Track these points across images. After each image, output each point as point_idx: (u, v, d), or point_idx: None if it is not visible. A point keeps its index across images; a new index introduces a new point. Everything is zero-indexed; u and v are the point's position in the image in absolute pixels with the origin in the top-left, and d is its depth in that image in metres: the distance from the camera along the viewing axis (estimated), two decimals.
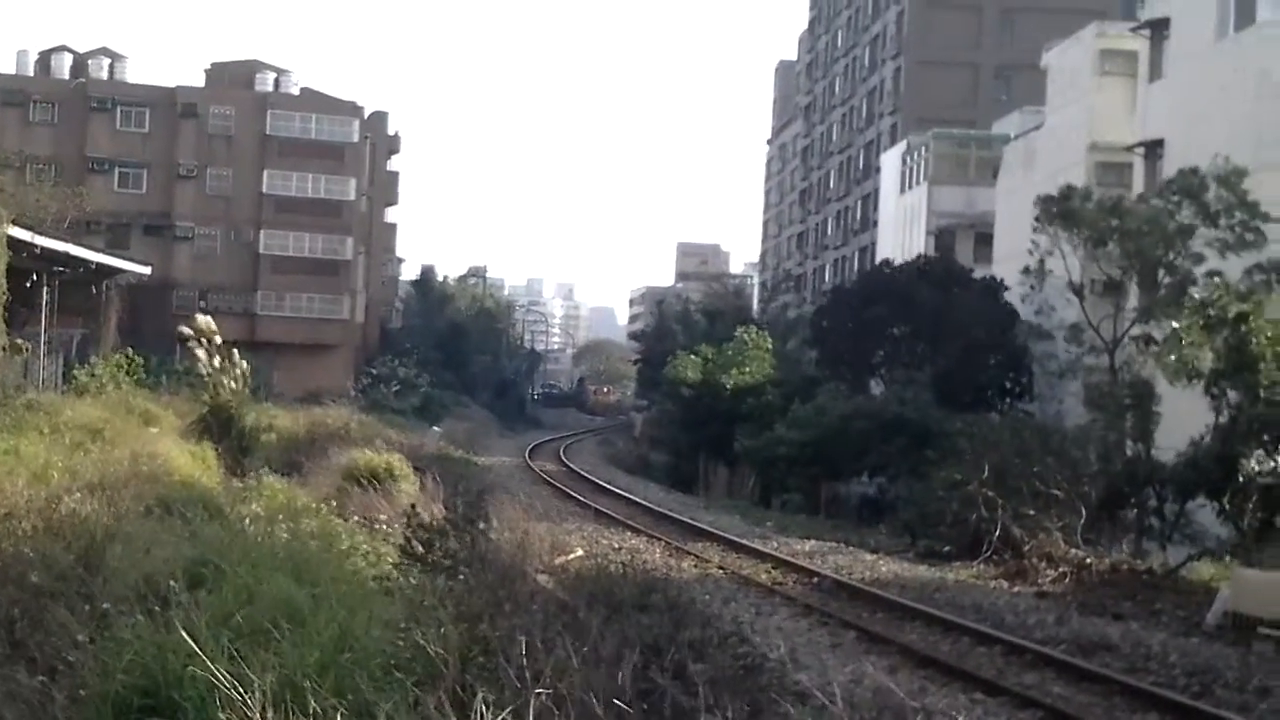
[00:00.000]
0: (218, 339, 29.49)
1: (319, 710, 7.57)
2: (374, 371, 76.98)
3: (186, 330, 29.61)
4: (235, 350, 30.33)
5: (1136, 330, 36.09)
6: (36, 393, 32.77)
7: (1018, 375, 45.44)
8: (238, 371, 29.90)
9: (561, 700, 8.17)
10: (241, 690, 7.51)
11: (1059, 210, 38.03)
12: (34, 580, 11.62)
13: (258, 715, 7.28)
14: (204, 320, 29.72)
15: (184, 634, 8.51)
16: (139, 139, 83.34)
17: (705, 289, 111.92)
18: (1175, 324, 26.46)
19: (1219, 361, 23.83)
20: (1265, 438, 22.97)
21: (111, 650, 9.05)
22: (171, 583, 10.66)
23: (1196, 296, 27.20)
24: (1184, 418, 25.12)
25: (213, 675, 7.80)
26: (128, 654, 8.83)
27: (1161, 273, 34.58)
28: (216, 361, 29.48)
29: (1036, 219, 39.13)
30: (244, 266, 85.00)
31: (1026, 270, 41.01)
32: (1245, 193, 33.23)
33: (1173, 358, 24.84)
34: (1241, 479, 22.80)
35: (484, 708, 7.31)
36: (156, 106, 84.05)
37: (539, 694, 7.94)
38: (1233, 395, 23.70)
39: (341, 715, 7.36)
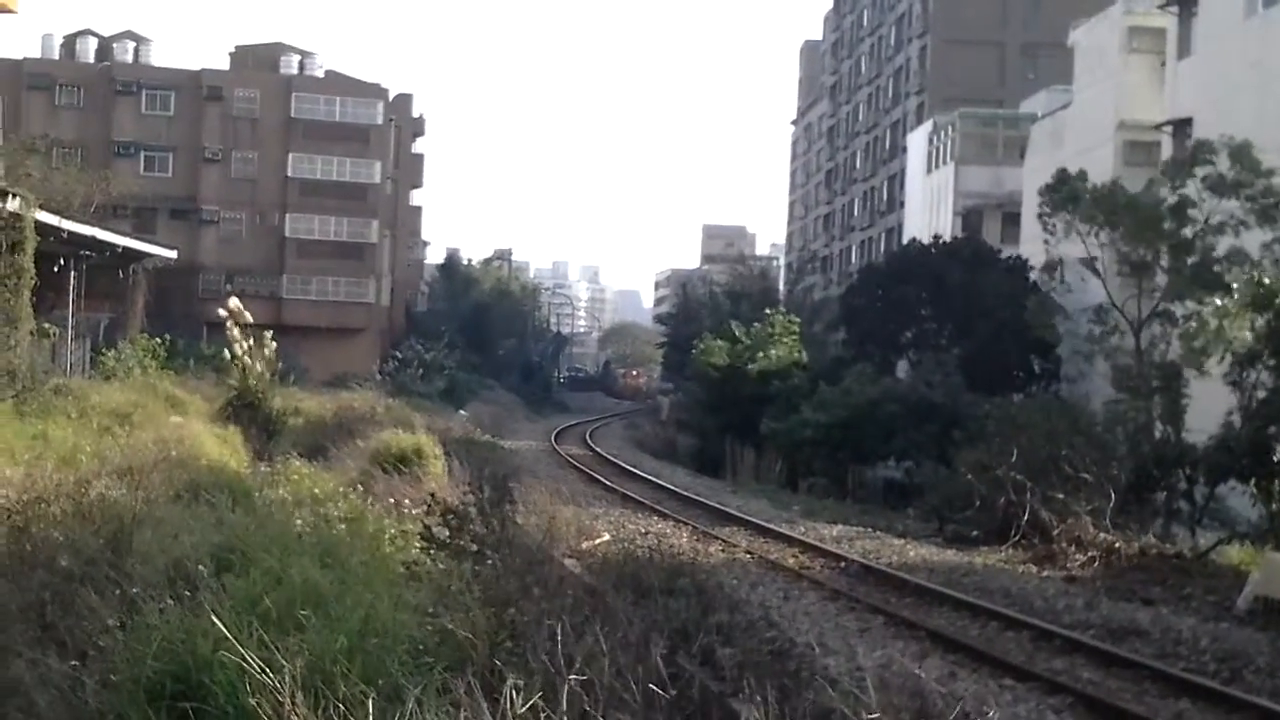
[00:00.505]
0: (248, 317, 29.62)
1: (348, 694, 7.56)
2: (399, 355, 77.04)
3: (223, 312, 29.77)
4: (265, 334, 30.45)
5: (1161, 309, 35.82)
6: (64, 377, 32.96)
7: (1045, 357, 45.16)
8: (267, 353, 29.99)
9: (590, 685, 8.14)
10: (271, 674, 7.51)
11: (1064, 195, 37.72)
12: (64, 564, 11.68)
13: (288, 699, 7.27)
14: (235, 304, 29.87)
15: (213, 618, 8.51)
16: (164, 122, 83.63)
17: (730, 271, 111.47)
18: (1202, 304, 26.07)
19: (1257, 343, 23.54)
20: None
21: (141, 635, 9.06)
22: (200, 567, 10.70)
23: (1254, 276, 26.69)
24: (1211, 400, 24.89)
25: (242, 659, 7.80)
26: (157, 639, 8.83)
27: (1189, 254, 34.24)
28: (246, 345, 29.60)
29: (1040, 214, 38.81)
30: (269, 250, 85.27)
31: (1046, 268, 40.69)
32: (1258, 163, 32.83)
33: (1207, 337, 24.50)
34: (1275, 462, 22.61)
35: (513, 693, 7.28)
36: (181, 90, 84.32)
37: (569, 679, 7.91)
38: (1265, 377, 23.45)
39: (371, 700, 7.34)
